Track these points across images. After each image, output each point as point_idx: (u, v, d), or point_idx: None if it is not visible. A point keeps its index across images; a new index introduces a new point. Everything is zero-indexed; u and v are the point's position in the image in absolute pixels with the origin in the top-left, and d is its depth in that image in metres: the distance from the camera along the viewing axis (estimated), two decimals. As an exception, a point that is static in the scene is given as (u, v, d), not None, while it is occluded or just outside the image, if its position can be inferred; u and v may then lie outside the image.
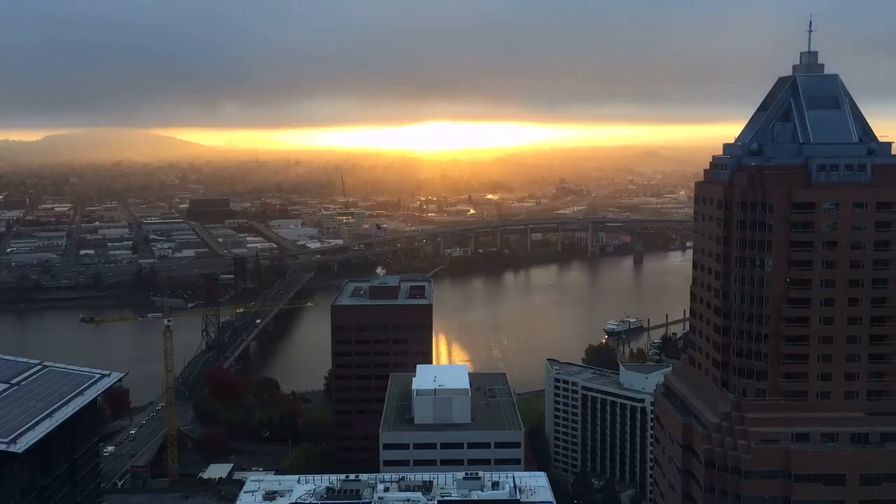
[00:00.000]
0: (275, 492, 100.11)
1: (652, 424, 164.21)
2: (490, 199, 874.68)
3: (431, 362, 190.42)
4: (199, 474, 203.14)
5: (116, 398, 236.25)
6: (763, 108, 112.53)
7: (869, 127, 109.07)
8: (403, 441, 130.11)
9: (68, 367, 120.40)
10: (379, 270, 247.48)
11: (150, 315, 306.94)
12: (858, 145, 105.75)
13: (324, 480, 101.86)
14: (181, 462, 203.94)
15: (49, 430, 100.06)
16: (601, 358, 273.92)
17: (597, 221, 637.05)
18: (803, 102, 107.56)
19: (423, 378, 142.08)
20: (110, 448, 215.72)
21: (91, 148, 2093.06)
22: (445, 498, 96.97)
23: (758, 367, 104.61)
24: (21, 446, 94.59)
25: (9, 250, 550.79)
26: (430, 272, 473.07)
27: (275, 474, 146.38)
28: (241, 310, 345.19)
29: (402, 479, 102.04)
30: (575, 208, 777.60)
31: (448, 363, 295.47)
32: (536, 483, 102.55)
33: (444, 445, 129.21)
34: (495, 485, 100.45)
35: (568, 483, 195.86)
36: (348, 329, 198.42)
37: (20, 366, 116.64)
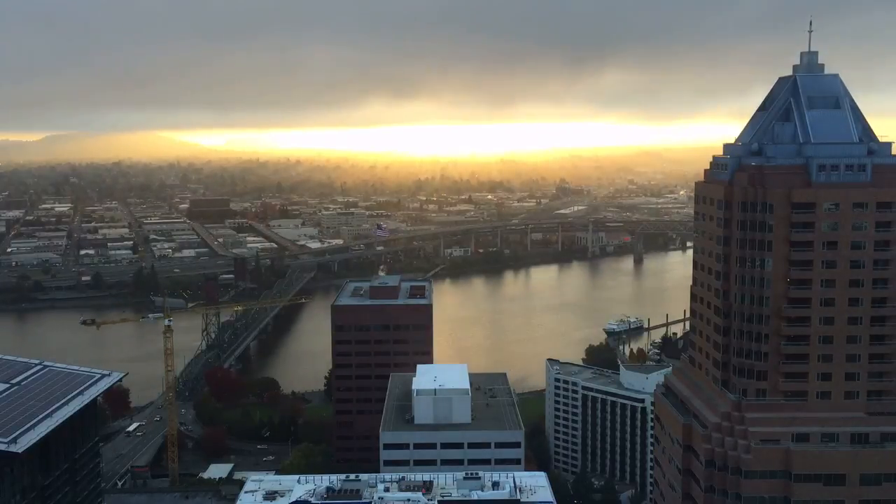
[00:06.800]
0: (275, 492, 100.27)
1: (652, 424, 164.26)
2: (490, 199, 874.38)
3: (432, 362, 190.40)
4: (199, 474, 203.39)
5: (116, 398, 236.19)
6: (763, 107, 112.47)
7: (869, 127, 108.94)
8: (403, 441, 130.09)
9: (68, 367, 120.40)
10: (380, 271, 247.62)
11: (150, 315, 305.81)
12: (859, 145, 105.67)
13: (324, 480, 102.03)
14: (181, 462, 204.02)
15: (49, 430, 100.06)
16: (601, 358, 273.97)
17: (597, 221, 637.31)
18: (803, 102, 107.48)
19: (424, 378, 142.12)
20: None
21: (91, 148, 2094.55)
22: (445, 498, 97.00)
23: (758, 367, 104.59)
24: (21, 446, 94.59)
25: (9, 250, 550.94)
26: (430, 272, 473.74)
27: (275, 474, 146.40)
28: (240, 308, 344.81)
29: (403, 479, 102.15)
30: (575, 208, 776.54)
31: (448, 363, 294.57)
32: (536, 483, 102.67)
33: (445, 445, 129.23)
34: (495, 485, 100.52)
35: (568, 483, 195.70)
36: (348, 329, 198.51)
37: (20, 366, 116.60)
